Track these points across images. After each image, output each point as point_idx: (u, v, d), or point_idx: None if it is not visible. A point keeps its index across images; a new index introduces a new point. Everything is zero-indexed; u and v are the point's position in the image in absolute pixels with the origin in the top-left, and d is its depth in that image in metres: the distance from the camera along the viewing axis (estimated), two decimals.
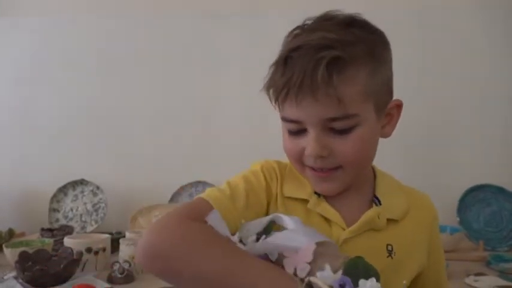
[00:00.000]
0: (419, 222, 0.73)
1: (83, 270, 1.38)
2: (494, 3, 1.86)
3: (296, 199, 0.70)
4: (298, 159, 0.67)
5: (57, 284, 1.25)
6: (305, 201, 0.70)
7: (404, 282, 0.54)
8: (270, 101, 0.66)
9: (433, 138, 1.88)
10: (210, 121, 1.97)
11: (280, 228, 0.58)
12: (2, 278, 1.33)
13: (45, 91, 2.02)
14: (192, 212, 0.61)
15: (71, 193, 1.94)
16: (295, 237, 0.55)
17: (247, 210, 0.66)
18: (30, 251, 1.36)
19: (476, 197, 1.80)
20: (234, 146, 1.92)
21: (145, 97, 2.00)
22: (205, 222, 0.59)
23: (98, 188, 1.92)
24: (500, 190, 1.78)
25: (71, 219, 1.91)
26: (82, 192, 1.94)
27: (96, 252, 1.41)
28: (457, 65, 1.88)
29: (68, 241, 1.42)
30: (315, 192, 0.70)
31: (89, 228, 1.86)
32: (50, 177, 1.95)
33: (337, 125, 0.62)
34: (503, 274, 1.39)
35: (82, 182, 1.93)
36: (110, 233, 1.62)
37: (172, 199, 1.91)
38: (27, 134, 2.02)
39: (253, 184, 0.70)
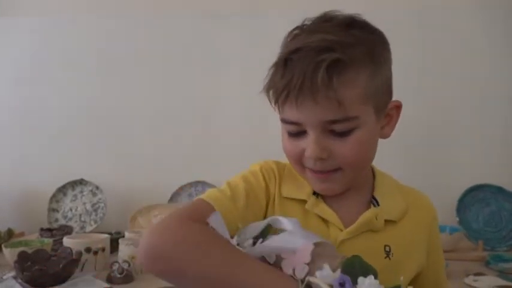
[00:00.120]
0: (418, 223, 0.73)
1: (82, 270, 1.38)
2: (494, 3, 1.86)
3: (294, 200, 0.70)
4: (298, 160, 0.67)
5: (56, 284, 1.25)
6: (303, 201, 0.70)
7: (401, 277, 0.54)
8: (270, 102, 0.66)
9: (432, 138, 1.88)
10: (210, 121, 1.97)
11: (277, 231, 0.58)
12: (1, 278, 1.33)
13: (45, 91, 2.02)
14: (193, 213, 0.61)
15: (70, 193, 1.94)
16: (292, 239, 0.55)
17: (248, 210, 0.66)
18: (30, 251, 1.36)
19: (475, 196, 1.80)
20: (234, 146, 1.92)
21: (145, 97, 2.00)
22: (207, 223, 0.59)
23: (97, 188, 1.91)
24: (500, 190, 1.78)
25: (70, 219, 1.91)
26: (81, 192, 1.94)
27: (96, 252, 1.41)
28: (457, 65, 1.88)
29: (67, 241, 1.42)
30: (313, 193, 0.70)
31: (88, 228, 1.86)
32: (50, 177, 1.95)
33: (337, 127, 0.62)
34: (502, 274, 1.38)
35: (81, 182, 1.93)
36: (109, 233, 1.62)
37: (172, 199, 1.91)
38: (27, 134, 2.02)
39: (252, 184, 0.70)
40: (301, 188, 0.71)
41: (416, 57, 1.86)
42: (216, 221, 0.59)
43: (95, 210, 1.90)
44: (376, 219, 0.68)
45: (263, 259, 0.56)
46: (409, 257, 0.70)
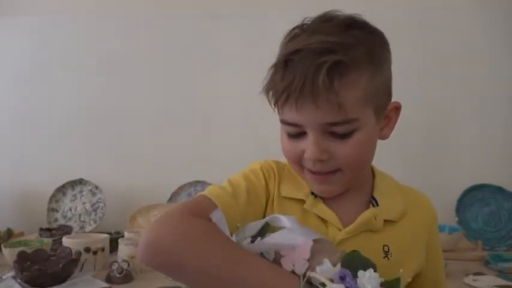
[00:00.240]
0: (418, 223, 0.72)
1: (81, 270, 1.38)
2: (494, 3, 1.86)
3: (293, 199, 0.70)
4: (297, 161, 0.67)
5: (55, 284, 1.25)
6: (302, 201, 0.70)
7: (401, 270, 0.54)
8: (269, 103, 0.66)
9: (432, 138, 1.88)
10: (210, 121, 1.97)
11: (276, 230, 0.59)
12: (1, 277, 1.33)
13: (45, 91, 2.02)
14: (194, 208, 0.61)
15: (69, 193, 1.94)
16: (291, 236, 0.55)
17: (248, 207, 0.66)
18: (29, 250, 1.36)
19: (475, 196, 1.80)
20: (234, 146, 1.91)
21: (145, 97, 2.00)
22: (208, 219, 0.59)
23: (96, 187, 1.91)
24: (499, 190, 1.78)
25: (70, 219, 1.91)
26: (81, 192, 1.94)
27: (95, 252, 1.41)
28: (457, 65, 1.88)
29: (66, 241, 1.42)
30: (312, 193, 0.70)
31: (88, 228, 1.86)
32: (49, 177, 1.94)
33: (337, 129, 0.62)
34: (501, 274, 1.39)
35: (81, 182, 1.93)
36: (109, 233, 1.62)
37: (171, 199, 1.91)
38: (27, 134, 2.02)
39: (253, 182, 0.70)
40: (300, 187, 0.71)
41: (416, 57, 1.86)
42: (218, 218, 0.59)
43: (95, 210, 1.90)
44: (375, 219, 0.68)
45: (262, 256, 0.56)
46: (408, 257, 0.70)
